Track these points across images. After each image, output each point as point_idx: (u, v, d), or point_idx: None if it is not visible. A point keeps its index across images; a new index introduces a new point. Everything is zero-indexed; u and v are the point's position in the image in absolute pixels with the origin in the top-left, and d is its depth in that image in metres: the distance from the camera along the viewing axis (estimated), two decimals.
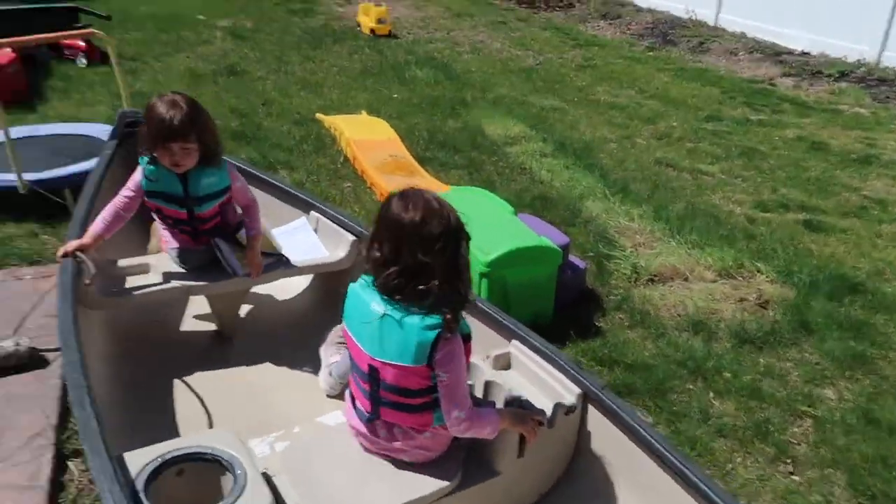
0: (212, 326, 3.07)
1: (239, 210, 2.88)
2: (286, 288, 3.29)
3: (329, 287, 3.23)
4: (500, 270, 3.08)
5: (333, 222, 3.15)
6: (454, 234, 1.87)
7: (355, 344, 1.92)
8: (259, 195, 3.42)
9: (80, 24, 8.08)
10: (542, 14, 12.75)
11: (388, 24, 10.22)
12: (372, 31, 10.09)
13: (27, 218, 4.05)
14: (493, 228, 3.35)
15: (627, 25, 11.73)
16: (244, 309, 3.16)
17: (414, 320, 1.79)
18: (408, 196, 1.83)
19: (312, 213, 3.25)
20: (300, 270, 3.04)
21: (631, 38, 11.00)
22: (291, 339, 3.07)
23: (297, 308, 3.28)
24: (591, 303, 3.52)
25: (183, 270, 2.79)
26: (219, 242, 2.79)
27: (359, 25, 10.45)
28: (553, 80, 8.33)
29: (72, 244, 2.53)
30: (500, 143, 5.88)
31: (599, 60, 9.47)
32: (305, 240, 3.16)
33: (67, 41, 7.74)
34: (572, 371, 2.27)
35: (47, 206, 4.05)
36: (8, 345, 2.73)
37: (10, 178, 3.97)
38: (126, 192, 2.64)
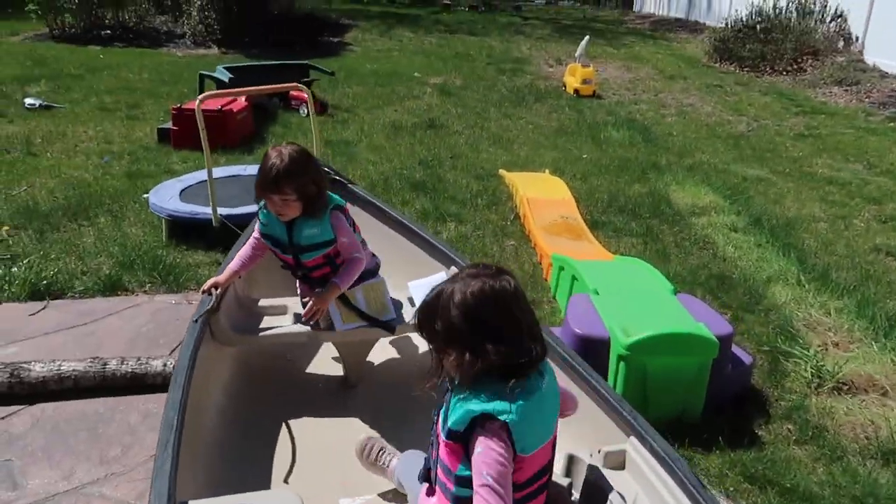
0: (339, 371, 3.10)
1: (369, 258, 2.91)
2: (418, 340, 3.24)
3: None
4: (640, 356, 2.75)
5: None
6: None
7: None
8: (402, 244, 3.44)
9: (308, 79, 9.00)
10: (766, 78, 11.85)
11: (593, 85, 10.12)
12: (576, 91, 10.06)
13: (215, 248, 4.45)
14: (643, 307, 3.04)
15: (867, 92, 10.46)
16: (376, 357, 3.15)
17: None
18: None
19: (452, 267, 3.19)
20: None
21: (868, 107, 9.78)
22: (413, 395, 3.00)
23: (424, 361, 3.21)
24: (753, 406, 3.02)
25: None
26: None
27: (564, 86, 10.47)
28: (764, 149, 7.62)
29: (209, 281, 2.69)
30: (686, 213, 5.44)
31: (825, 129, 8.52)
32: None
33: (294, 93, 8.63)
34: (691, 487, 1.92)
35: (235, 239, 4.44)
36: (157, 364, 2.97)
37: (207, 211, 4.41)
38: (255, 233, 2.81)
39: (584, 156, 7.08)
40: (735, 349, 3.10)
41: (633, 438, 2.16)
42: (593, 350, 2.83)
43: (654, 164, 6.77)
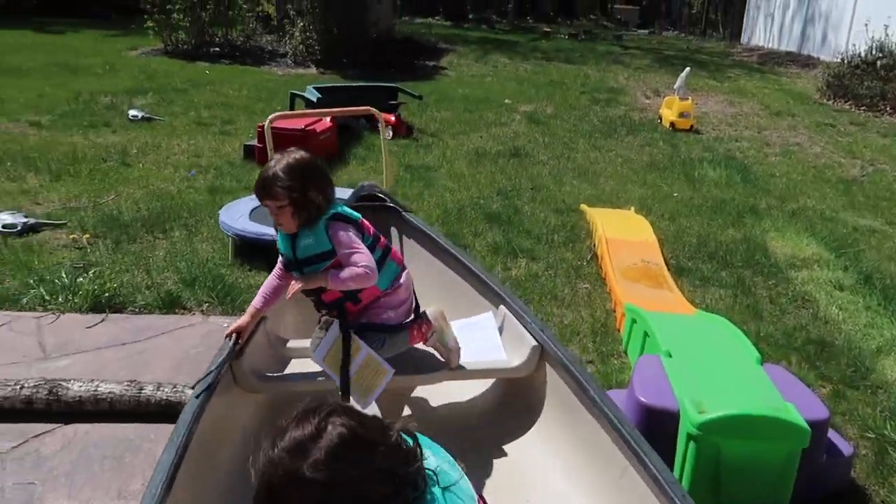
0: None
1: (402, 310, 2.61)
2: (460, 387, 2.98)
3: (505, 393, 2.86)
4: (713, 437, 2.39)
5: (519, 322, 2.78)
6: None
7: None
8: (450, 278, 3.20)
9: (396, 102, 8.98)
10: (886, 119, 10.91)
11: (691, 119, 9.60)
12: (672, 124, 9.57)
13: None
14: (722, 378, 2.66)
15: None
16: (417, 405, 2.92)
17: None
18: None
19: (501, 307, 2.92)
20: (471, 374, 2.71)
21: None
22: (453, 447, 2.74)
23: (466, 412, 2.95)
24: None
25: None
26: (354, 335, 2.50)
27: (660, 118, 10.00)
28: (880, 197, 6.91)
29: (232, 325, 2.52)
30: (784, 265, 4.93)
31: None
32: (486, 337, 2.84)
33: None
34: None
35: None
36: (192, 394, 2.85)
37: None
38: (279, 259, 2.59)
39: (675, 194, 6.64)
40: (832, 435, 2.66)
41: None
42: (659, 423, 2.49)
43: (751, 208, 6.25)
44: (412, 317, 2.65)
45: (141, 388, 2.91)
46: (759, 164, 7.93)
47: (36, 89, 10.50)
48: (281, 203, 2.31)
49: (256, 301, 2.56)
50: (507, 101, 11.14)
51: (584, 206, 5.92)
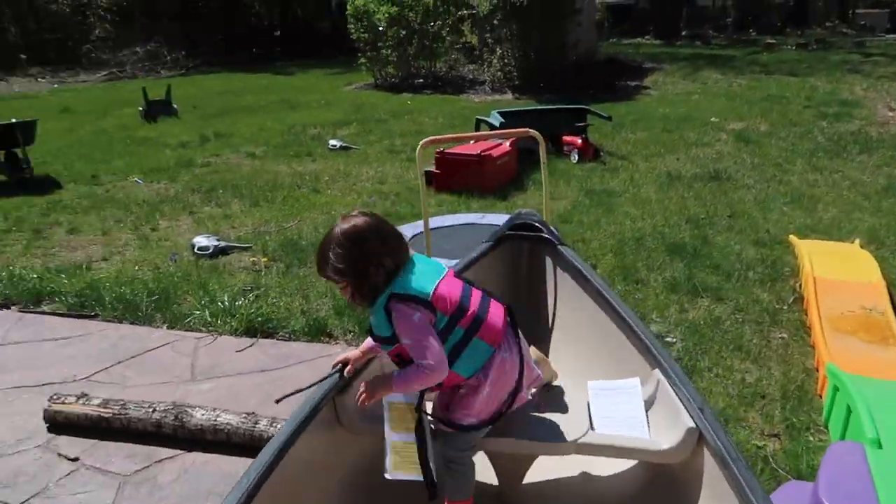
0: (494, 481, 2.49)
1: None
2: (594, 462, 2.48)
3: (650, 478, 2.32)
4: None
5: (677, 394, 2.23)
6: None
7: None
8: (600, 326, 2.71)
9: (583, 124, 8.52)
10: None
11: None
12: None
13: None
14: None
15: None
16: (537, 474, 2.48)
17: None
18: None
19: (656, 371, 2.38)
20: (605, 450, 2.22)
21: None
22: None
23: (599, 491, 2.44)
24: None
25: None
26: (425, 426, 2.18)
27: None
28: None
29: (341, 356, 2.32)
30: None
31: None
32: (628, 407, 2.32)
33: (566, 138, 8.21)
34: None
35: None
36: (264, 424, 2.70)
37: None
38: None
39: None
40: None
41: None
42: None
43: None
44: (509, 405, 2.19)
45: (256, 423, 2.83)
46: None
47: (259, 124, 11.63)
48: (339, 284, 2.07)
49: (369, 340, 2.30)
50: (713, 119, 10.13)
51: (792, 238, 5.00)
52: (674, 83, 13.95)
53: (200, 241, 5.68)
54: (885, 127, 9.09)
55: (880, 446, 2.09)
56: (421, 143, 4.18)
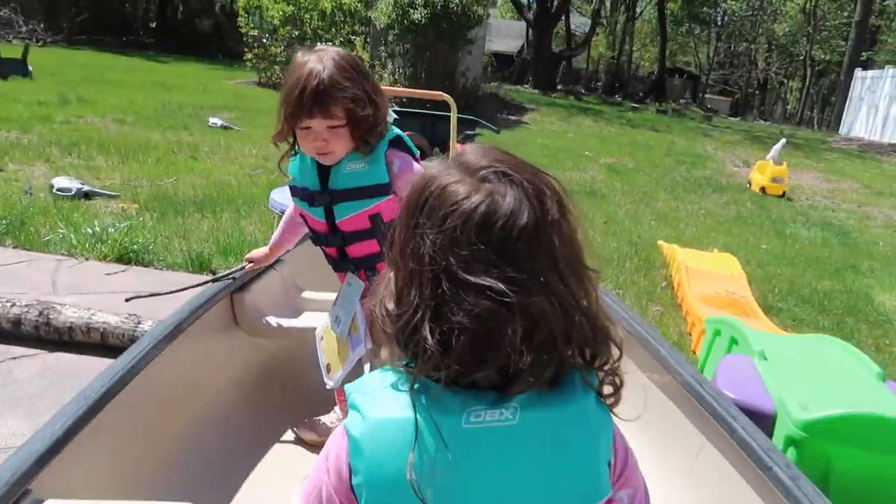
0: None
1: None
2: None
3: None
4: (823, 443, 1.82)
5: None
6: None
7: None
8: None
9: (473, 133, 8.75)
10: None
11: (784, 185, 8.95)
12: (762, 189, 8.94)
13: None
14: (831, 383, 2.09)
15: None
16: None
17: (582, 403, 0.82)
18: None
19: None
20: None
21: None
22: None
23: None
24: None
25: None
26: (350, 288, 1.88)
27: (749, 183, 9.39)
28: None
29: (249, 253, 2.19)
30: (895, 318, 4.24)
31: None
32: None
33: (457, 145, 8.37)
34: None
35: None
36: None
37: None
38: None
39: (764, 246, 6.01)
40: None
41: None
42: None
43: (852, 266, 5.55)
44: None
45: (139, 323, 2.57)
46: (859, 233, 7.21)
47: (129, 97, 10.88)
48: (338, 122, 1.65)
49: (276, 235, 2.13)
50: (587, 153, 10.79)
51: (661, 242, 5.39)
52: (551, 122, 14.75)
53: (61, 181, 5.17)
54: (731, 177, 10.11)
55: (765, 358, 2.26)
56: None
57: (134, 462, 1.63)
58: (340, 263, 1.89)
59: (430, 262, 0.76)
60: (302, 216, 1.87)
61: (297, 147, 1.78)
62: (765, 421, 1.94)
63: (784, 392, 1.98)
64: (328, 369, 1.88)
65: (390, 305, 0.82)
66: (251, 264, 2.18)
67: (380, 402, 0.80)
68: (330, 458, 0.83)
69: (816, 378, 2.13)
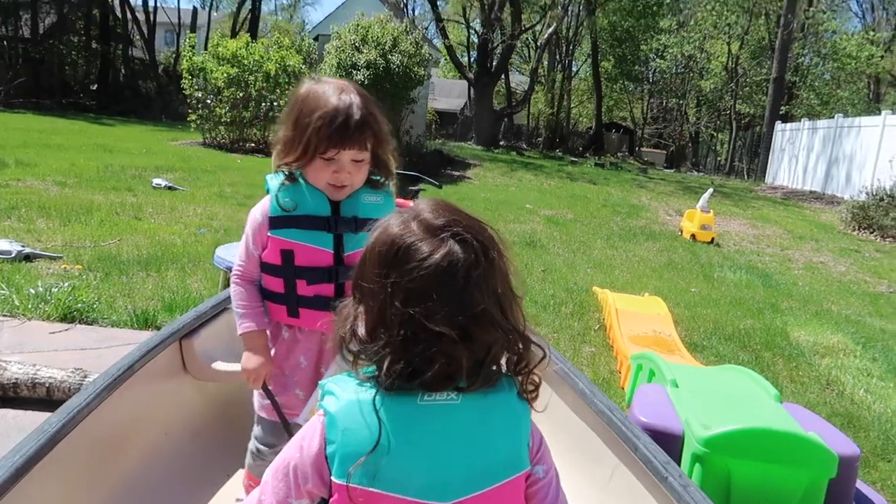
0: None
1: None
2: None
3: None
4: (722, 457, 2.03)
5: None
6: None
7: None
8: None
9: (416, 188, 9.02)
10: None
11: (713, 232, 9.47)
12: (693, 236, 9.44)
13: None
14: (733, 405, 2.32)
15: None
16: None
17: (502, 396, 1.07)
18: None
19: None
20: None
21: None
22: None
23: None
24: None
25: None
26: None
27: (680, 231, 9.89)
28: None
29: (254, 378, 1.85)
30: (807, 352, 4.56)
31: None
32: None
33: (400, 200, 8.61)
34: None
35: None
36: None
37: None
38: (244, 263, 1.79)
39: (693, 290, 6.37)
40: (864, 488, 2.26)
41: None
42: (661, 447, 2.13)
43: (772, 305, 5.94)
44: None
45: (85, 376, 2.63)
46: (781, 275, 7.67)
47: (70, 160, 10.82)
48: (365, 155, 1.65)
49: (250, 319, 1.79)
50: (528, 205, 11.19)
51: (595, 288, 5.67)
52: (493, 177, 15.21)
53: (1, 244, 5.16)
54: (664, 226, 10.62)
55: (677, 386, 2.48)
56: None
57: (82, 496, 1.71)
58: (331, 303, 1.56)
59: (399, 310, 0.96)
60: (285, 251, 1.70)
61: (296, 176, 1.72)
62: (674, 441, 2.14)
63: (689, 414, 2.19)
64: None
65: (361, 331, 1.02)
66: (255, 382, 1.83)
67: (350, 389, 1.02)
68: (305, 438, 1.03)
69: (719, 401, 2.35)
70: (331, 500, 1.00)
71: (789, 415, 2.25)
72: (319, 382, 1.09)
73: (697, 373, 2.84)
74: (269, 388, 1.81)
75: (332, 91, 1.63)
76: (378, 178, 1.75)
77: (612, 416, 1.86)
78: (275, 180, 1.78)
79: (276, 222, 1.73)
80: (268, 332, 1.84)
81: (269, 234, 1.72)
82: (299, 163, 1.68)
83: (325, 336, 1.71)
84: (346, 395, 1.01)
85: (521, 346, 1.07)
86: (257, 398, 1.86)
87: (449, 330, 0.96)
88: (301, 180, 1.72)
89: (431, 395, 0.99)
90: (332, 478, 0.98)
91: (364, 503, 0.97)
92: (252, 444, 1.95)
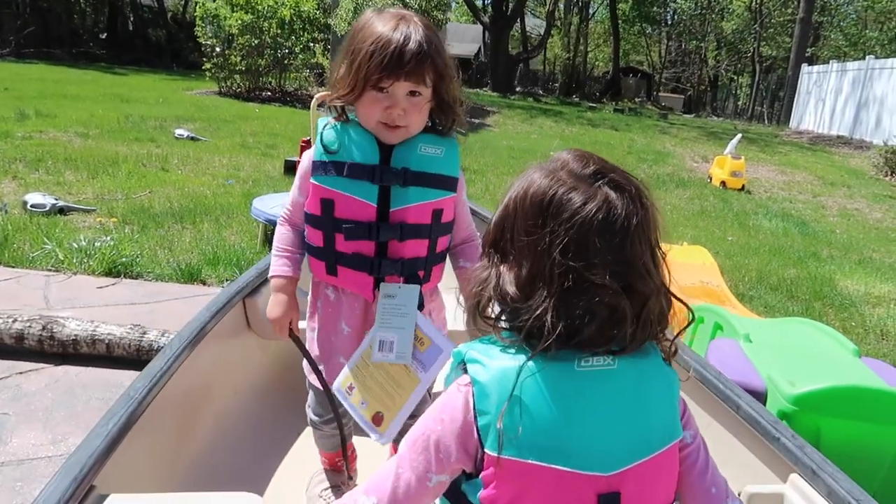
0: None
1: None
2: None
3: None
4: (813, 415, 1.97)
5: None
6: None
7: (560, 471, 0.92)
8: None
9: None
10: None
11: (743, 179, 9.28)
12: (723, 183, 9.25)
13: None
14: (815, 361, 2.25)
15: None
16: None
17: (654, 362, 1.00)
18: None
19: None
20: None
21: None
22: None
23: None
24: None
25: None
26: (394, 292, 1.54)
27: (710, 178, 9.71)
28: None
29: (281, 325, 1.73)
30: (858, 301, 4.48)
31: None
32: None
33: None
34: None
35: None
36: None
37: None
38: (293, 203, 1.63)
39: (730, 238, 6.26)
40: None
41: (794, 476, 1.45)
42: None
43: (813, 254, 5.83)
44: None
45: (144, 333, 2.60)
46: (816, 222, 7.53)
47: (88, 111, 10.70)
48: (422, 89, 1.45)
49: (285, 262, 1.65)
50: (552, 153, 10.96)
51: None
52: (513, 125, 14.95)
53: (34, 197, 5.11)
54: (692, 172, 10.43)
55: (750, 341, 2.42)
56: (316, 96, 4.17)
57: (170, 457, 1.69)
58: (374, 264, 1.52)
59: (559, 261, 0.89)
60: (325, 201, 1.51)
61: (347, 114, 1.53)
62: (757, 398, 2.08)
63: (772, 370, 2.13)
64: (377, 420, 1.47)
65: (511, 289, 0.93)
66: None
67: (496, 356, 0.94)
68: (445, 409, 0.96)
69: (799, 357, 2.29)
70: (482, 473, 0.94)
71: (873, 373, 2.18)
72: (454, 351, 1.01)
73: (766, 326, 2.76)
74: (298, 337, 1.68)
75: (389, 17, 1.45)
76: (444, 123, 1.53)
77: (705, 372, 1.80)
78: (324, 120, 1.57)
79: (319, 167, 1.52)
80: (310, 284, 1.69)
81: (311, 180, 1.53)
82: (350, 96, 1.46)
83: (370, 304, 1.56)
84: (495, 363, 0.94)
85: (667, 306, 1.01)
86: (306, 365, 1.74)
87: (611, 280, 0.89)
88: (352, 119, 1.53)
89: (588, 361, 0.93)
90: (486, 450, 0.92)
91: (519, 475, 0.91)
92: (308, 412, 1.85)
